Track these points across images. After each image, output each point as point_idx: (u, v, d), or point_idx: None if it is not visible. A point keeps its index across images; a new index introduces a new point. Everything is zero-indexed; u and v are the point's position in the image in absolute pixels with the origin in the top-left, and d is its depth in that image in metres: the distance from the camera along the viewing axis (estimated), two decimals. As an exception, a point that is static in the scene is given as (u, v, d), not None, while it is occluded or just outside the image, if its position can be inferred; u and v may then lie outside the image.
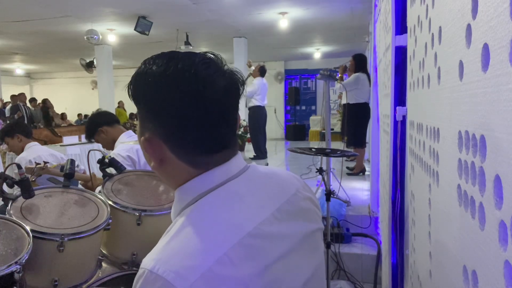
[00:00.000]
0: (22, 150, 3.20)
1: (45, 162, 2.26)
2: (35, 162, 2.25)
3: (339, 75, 5.34)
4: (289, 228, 0.72)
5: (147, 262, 0.61)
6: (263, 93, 7.00)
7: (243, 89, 0.73)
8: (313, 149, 2.90)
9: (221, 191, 0.69)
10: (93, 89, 14.85)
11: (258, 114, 7.10)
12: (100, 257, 1.55)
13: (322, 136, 10.68)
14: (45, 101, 11.05)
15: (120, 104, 12.69)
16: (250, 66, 7.37)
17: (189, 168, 0.70)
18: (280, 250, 0.68)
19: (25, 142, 3.23)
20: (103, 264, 1.58)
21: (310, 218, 0.79)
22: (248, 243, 0.63)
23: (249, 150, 8.27)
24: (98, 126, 2.48)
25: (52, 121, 10.51)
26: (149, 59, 0.71)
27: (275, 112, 13.29)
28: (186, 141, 0.68)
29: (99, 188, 1.75)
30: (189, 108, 0.66)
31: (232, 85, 0.70)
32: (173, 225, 0.67)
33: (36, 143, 3.33)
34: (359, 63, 5.29)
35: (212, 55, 0.72)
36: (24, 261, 1.20)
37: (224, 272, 0.59)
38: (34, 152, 3.11)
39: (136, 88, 0.71)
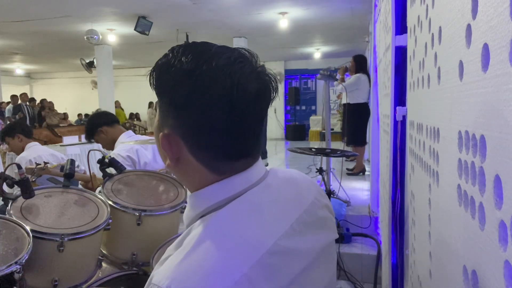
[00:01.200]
0: (22, 150, 3.21)
1: (45, 163, 2.26)
2: (35, 163, 2.25)
3: (340, 77, 5.35)
4: (308, 242, 0.69)
5: (161, 279, 0.56)
6: (263, 93, 6.99)
7: (276, 94, 0.69)
8: (313, 149, 2.90)
9: (240, 202, 0.65)
10: (92, 89, 14.85)
11: None
12: (100, 257, 1.55)
13: (322, 136, 10.69)
14: (42, 101, 11.07)
15: (117, 104, 12.68)
16: None
17: (206, 172, 0.66)
18: (299, 266, 0.65)
19: (25, 142, 3.24)
20: (103, 264, 1.58)
21: (327, 227, 0.76)
22: (267, 262, 0.60)
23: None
24: (97, 126, 2.48)
25: (43, 121, 10.43)
26: (177, 49, 0.65)
27: (275, 112, 13.30)
28: (207, 145, 0.64)
29: (99, 189, 1.75)
30: (217, 110, 0.61)
31: (265, 89, 0.66)
32: (188, 234, 0.63)
33: (36, 143, 3.33)
34: (360, 64, 5.30)
35: (246, 52, 0.67)
36: (24, 261, 1.20)
37: None
38: (35, 152, 3.11)
39: (161, 79, 0.65)
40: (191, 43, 0.66)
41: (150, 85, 0.66)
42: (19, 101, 9.98)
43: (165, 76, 0.64)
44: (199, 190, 0.68)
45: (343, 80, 5.39)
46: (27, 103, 10.25)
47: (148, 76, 0.66)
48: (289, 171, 0.79)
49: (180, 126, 0.64)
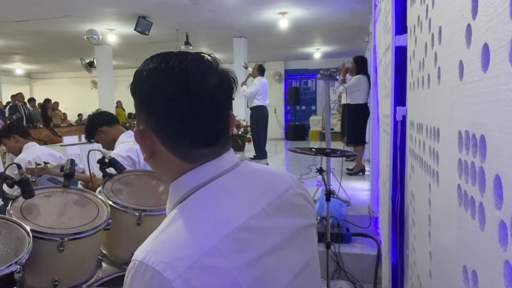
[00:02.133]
0: (20, 151, 3.18)
1: (45, 163, 2.26)
2: (35, 163, 2.25)
3: (341, 78, 5.37)
4: (280, 222, 0.73)
5: (138, 253, 0.63)
6: (264, 92, 6.98)
7: (236, 88, 0.75)
8: (313, 149, 2.90)
9: (212, 186, 0.71)
10: (91, 88, 14.84)
11: (260, 114, 7.08)
12: (100, 257, 1.55)
13: (322, 136, 10.69)
14: (46, 101, 11.06)
15: (119, 104, 12.69)
16: (246, 68, 7.38)
17: (179, 161, 0.72)
18: (270, 243, 0.69)
19: (22, 143, 3.21)
20: (103, 264, 1.58)
21: (302, 213, 0.80)
22: (238, 236, 0.65)
23: (249, 150, 8.26)
24: (97, 126, 2.48)
25: (50, 121, 10.47)
26: (148, 59, 0.75)
27: (275, 112, 13.30)
28: (173, 133, 0.70)
29: (99, 189, 1.75)
30: (176, 100, 0.68)
31: (224, 83, 0.73)
32: (165, 219, 0.69)
33: (34, 143, 3.30)
34: (360, 66, 5.32)
35: (207, 55, 0.75)
36: (24, 261, 1.20)
37: (213, 263, 0.60)
38: (33, 153, 3.09)
39: (134, 83, 0.74)
40: (160, 53, 0.75)
41: (131, 94, 0.75)
42: (16, 102, 9.96)
43: (137, 79, 0.74)
44: (176, 180, 0.74)
45: (344, 81, 5.41)
46: (27, 103, 10.23)
47: (130, 87, 0.76)
48: (265, 165, 0.85)
49: (150, 119, 0.72)
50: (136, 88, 0.74)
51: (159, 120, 0.71)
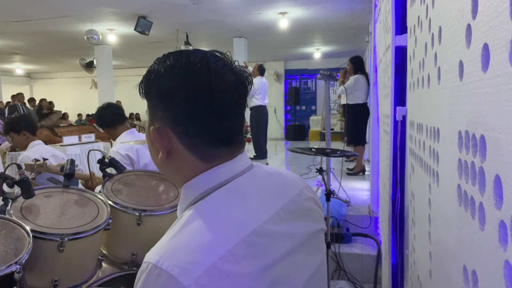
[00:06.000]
0: (25, 147, 3.20)
1: (44, 159, 2.26)
2: (34, 159, 2.25)
3: (340, 79, 5.39)
4: (293, 227, 0.72)
5: (151, 256, 0.61)
6: (263, 92, 6.99)
7: (251, 86, 0.75)
8: (313, 149, 2.89)
9: (227, 188, 0.70)
10: (91, 87, 14.83)
11: (260, 114, 7.09)
12: (100, 257, 1.55)
13: (322, 136, 10.69)
14: (41, 101, 11.03)
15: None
16: (246, 67, 7.39)
17: (196, 160, 0.71)
18: (283, 249, 0.68)
19: (30, 140, 3.22)
20: (103, 264, 1.58)
21: (313, 218, 0.79)
22: (252, 241, 0.64)
23: (249, 150, 8.27)
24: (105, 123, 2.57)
25: (42, 119, 10.37)
26: (161, 57, 0.73)
27: (275, 112, 13.29)
28: (193, 129, 0.69)
29: (99, 188, 1.75)
30: (199, 95, 0.67)
31: (241, 80, 0.72)
32: (179, 220, 0.68)
33: (40, 142, 3.31)
34: (357, 66, 5.34)
35: (220, 54, 0.74)
36: (24, 261, 1.20)
37: (228, 269, 0.59)
38: (37, 152, 3.10)
39: (148, 81, 0.72)
40: (172, 51, 0.74)
41: (140, 95, 0.74)
42: (16, 102, 9.94)
43: (152, 77, 0.72)
44: (190, 181, 0.72)
45: (343, 82, 5.43)
46: (26, 103, 10.20)
47: (138, 87, 0.74)
48: (275, 168, 0.84)
49: (168, 116, 0.70)
50: (152, 86, 0.72)
51: (179, 116, 0.69)
